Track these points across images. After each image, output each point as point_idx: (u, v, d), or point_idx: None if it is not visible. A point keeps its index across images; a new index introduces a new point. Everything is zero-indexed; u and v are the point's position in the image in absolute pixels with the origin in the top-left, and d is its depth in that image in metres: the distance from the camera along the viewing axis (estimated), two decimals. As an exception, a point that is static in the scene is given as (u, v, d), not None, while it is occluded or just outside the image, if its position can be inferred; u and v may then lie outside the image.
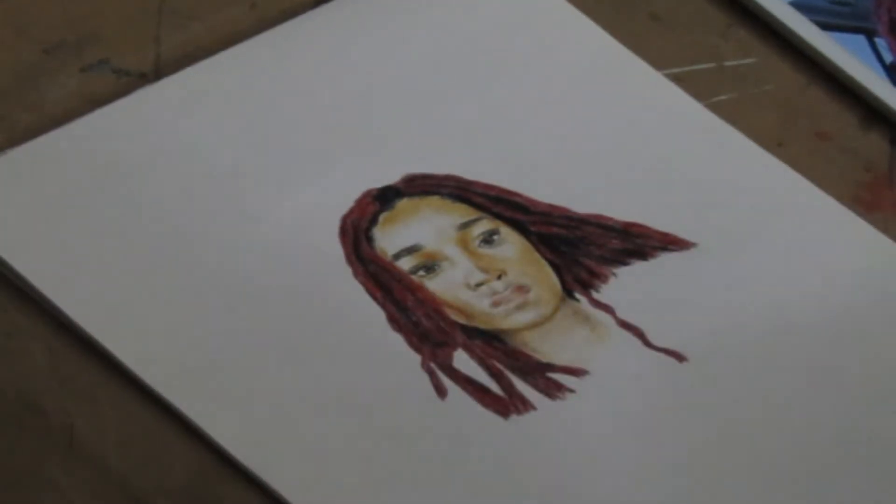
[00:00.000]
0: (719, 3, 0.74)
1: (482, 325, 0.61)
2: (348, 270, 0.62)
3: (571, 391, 0.60)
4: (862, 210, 0.68)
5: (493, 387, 0.60)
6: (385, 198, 0.64)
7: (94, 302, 0.59)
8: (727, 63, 0.73)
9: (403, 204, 0.64)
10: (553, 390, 0.60)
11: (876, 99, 0.71)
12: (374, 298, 0.61)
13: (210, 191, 0.63)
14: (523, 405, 0.59)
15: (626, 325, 0.62)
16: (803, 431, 0.60)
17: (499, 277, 0.62)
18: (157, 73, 0.67)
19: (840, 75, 0.72)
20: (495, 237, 0.64)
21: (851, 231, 0.67)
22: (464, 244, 0.63)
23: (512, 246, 0.64)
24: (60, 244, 0.60)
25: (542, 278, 0.63)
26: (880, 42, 0.71)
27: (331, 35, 0.69)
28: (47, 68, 0.66)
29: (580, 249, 0.64)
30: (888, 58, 0.71)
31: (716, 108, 0.70)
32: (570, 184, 0.66)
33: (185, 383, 0.57)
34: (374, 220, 0.63)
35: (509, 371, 0.60)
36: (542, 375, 0.60)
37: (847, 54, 0.72)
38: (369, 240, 0.63)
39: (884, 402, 0.62)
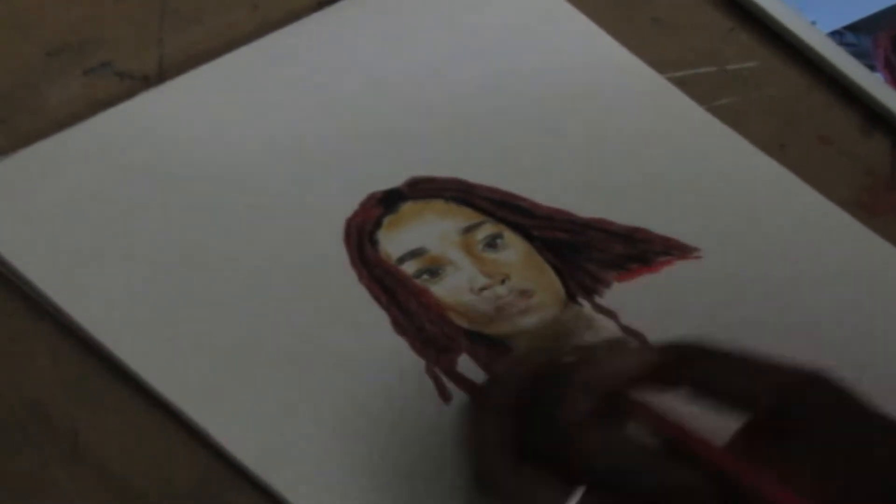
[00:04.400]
0: (722, 7, 0.74)
1: (486, 330, 0.61)
2: (353, 274, 0.62)
3: (575, 396, 0.60)
4: (863, 214, 0.69)
5: (497, 392, 0.60)
6: (389, 201, 0.64)
7: (98, 306, 0.58)
8: (729, 67, 0.73)
9: (407, 207, 0.64)
10: (556, 395, 0.60)
11: (878, 103, 0.72)
12: (379, 302, 0.61)
13: (214, 194, 0.63)
14: (527, 410, 0.59)
15: (628, 331, 0.62)
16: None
17: (502, 282, 0.62)
18: (160, 75, 0.66)
19: (842, 79, 0.72)
20: (499, 241, 0.64)
21: (852, 236, 0.67)
22: (467, 248, 0.63)
23: (515, 250, 0.64)
24: (64, 248, 0.60)
25: (545, 283, 0.63)
26: (878, 75, 0.74)
27: (333, 38, 0.69)
28: (50, 71, 0.65)
29: (583, 254, 0.64)
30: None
31: (718, 112, 0.70)
32: (572, 187, 0.66)
33: (190, 387, 0.57)
34: (378, 224, 0.63)
35: (513, 376, 0.60)
36: (546, 380, 0.60)
37: (849, 58, 0.72)
38: (373, 243, 0.63)
39: None
